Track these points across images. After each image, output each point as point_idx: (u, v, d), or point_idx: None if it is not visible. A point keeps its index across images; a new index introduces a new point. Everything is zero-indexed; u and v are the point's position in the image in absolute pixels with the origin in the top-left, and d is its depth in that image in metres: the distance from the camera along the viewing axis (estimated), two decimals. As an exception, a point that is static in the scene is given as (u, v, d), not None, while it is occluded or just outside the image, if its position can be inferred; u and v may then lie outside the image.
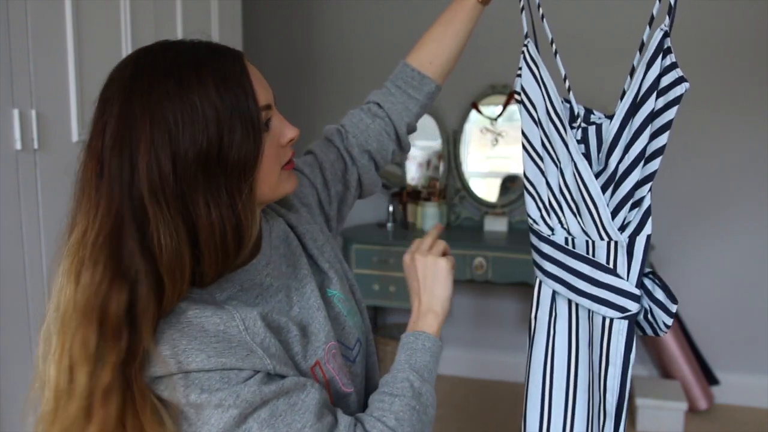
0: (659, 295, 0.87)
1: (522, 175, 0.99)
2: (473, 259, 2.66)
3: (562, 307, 0.95)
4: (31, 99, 1.50)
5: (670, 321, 0.87)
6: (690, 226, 2.87)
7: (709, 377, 2.85)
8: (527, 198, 0.98)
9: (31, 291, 1.52)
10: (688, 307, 2.88)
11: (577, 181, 0.88)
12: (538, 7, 0.97)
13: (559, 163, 0.91)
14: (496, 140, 3.03)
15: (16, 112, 1.46)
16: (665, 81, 0.82)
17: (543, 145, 0.95)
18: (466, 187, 3.12)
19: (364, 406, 0.89)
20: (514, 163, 3.10)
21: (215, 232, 0.70)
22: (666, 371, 2.83)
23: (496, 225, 2.99)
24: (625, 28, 2.47)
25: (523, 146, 0.99)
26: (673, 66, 0.82)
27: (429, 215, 2.96)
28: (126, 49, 1.78)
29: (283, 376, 0.74)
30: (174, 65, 0.71)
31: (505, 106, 2.98)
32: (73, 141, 1.62)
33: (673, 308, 0.86)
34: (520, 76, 0.98)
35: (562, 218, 0.93)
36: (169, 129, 0.68)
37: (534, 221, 0.97)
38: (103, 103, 0.74)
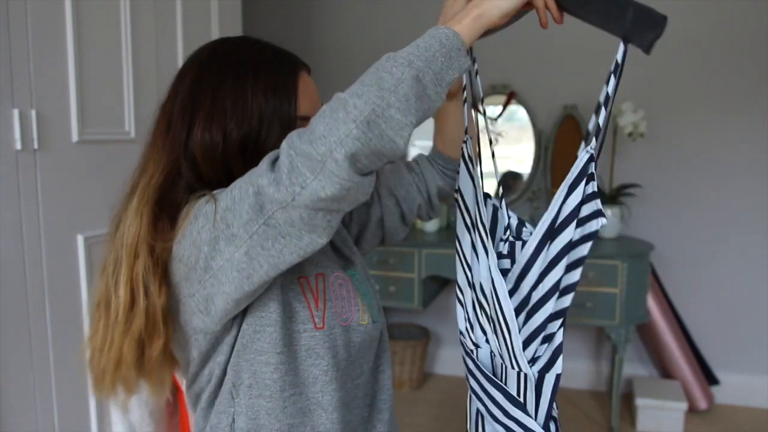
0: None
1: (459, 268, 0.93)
2: (473, 259, 2.66)
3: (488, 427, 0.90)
4: (31, 99, 1.50)
5: None
6: (689, 226, 2.87)
7: (709, 377, 2.85)
8: (458, 307, 0.93)
9: (31, 291, 1.52)
10: (688, 308, 2.88)
11: (493, 298, 0.82)
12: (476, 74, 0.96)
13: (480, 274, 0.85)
14: (496, 140, 3.04)
15: (16, 112, 1.46)
16: (585, 211, 0.76)
17: (473, 251, 0.89)
18: (466, 187, 3.12)
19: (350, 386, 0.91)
20: (514, 163, 3.10)
21: None
22: (666, 371, 2.83)
23: (496, 225, 2.99)
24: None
25: (456, 251, 0.93)
26: (593, 196, 0.75)
27: (429, 215, 2.95)
28: (126, 49, 1.78)
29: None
30: (240, 60, 0.84)
31: (505, 106, 2.98)
32: (73, 141, 1.63)
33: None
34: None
35: (488, 334, 0.87)
36: (225, 109, 0.81)
37: (461, 333, 0.92)
38: (181, 75, 0.87)
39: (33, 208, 1.52)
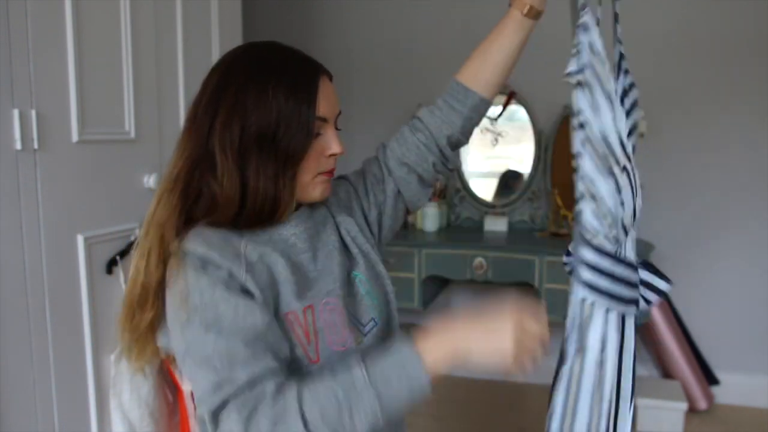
0: (645, 275, 0.87)
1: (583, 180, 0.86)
2: (473, 259, 2.66)
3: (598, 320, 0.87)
4: (31, 99, 1.50)
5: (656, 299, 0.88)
6: (689, 226, 2.87)
7: (709, 377, 2.85)
8: (589, 205, 0.85)
9: (31, 291, 1.52)
10: (688, 308, 2.88)
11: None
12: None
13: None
14: (496, 140, 3.03)
15: (16, 112, 1.46)
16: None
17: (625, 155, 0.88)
18: (466, 187, 3.12)
19: None
20: (515, 162, 3.10)
21: (257, 195, 0.87)
22: (666, 371, 2.83)
23: (496, 225, 2.99)
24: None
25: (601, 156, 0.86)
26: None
27: (429, 215, 2.96)
28: (126, 49, 1.78)
29: (248, 293, 0.83)
30: (265, 63, 0.89)
31: (505, 106, 2.97)
32: (73, 141, 1.62)
33: (663, 286, 0.87)
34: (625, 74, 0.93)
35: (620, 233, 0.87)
36: (246, 106, 0.86)
37: (595, 234, 0.85)
38: (210, 73, 0.92)
39: (33, 208, 1.52)
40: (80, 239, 1.65)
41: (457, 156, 1.12)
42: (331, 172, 0.95)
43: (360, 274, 0.98)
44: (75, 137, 1.63)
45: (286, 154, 0.87)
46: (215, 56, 2.11)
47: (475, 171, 3.17)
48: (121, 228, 1.78)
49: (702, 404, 2.77)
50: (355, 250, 1.00)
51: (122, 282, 1.75)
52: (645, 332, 2.83)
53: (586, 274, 0.84)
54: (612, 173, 0.84)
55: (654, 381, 2.81)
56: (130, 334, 0.91)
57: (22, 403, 1.51)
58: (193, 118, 0.91)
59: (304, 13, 3.27)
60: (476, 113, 1.08)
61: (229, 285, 0.82)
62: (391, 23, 3.11)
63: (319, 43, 3.23)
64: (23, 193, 1.49)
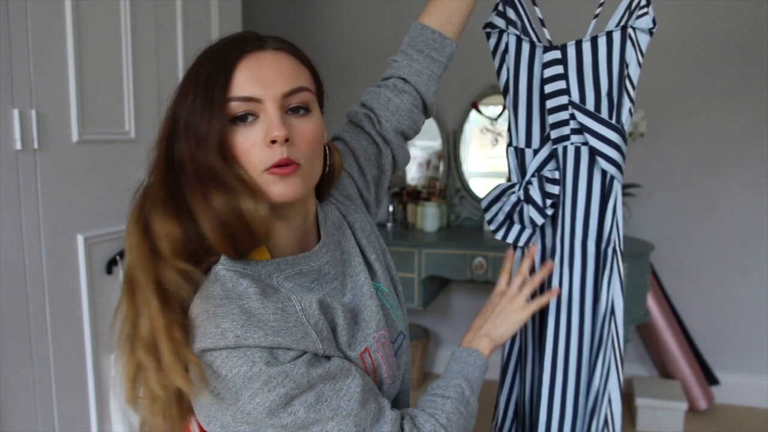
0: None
1: None
2: (473, 259, 2.66)
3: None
4: (31, 99, 1.50)
5: None
6: (689, 226, 2.87)
7: (709, 377, 2.85)
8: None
9: (31, 291, 1.52)
10: (688, 307, 2.88)
11: None
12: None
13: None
14: (496, 140, 3.03)
15: (16, 112, 1.46)
16: None
17: None
18: (466, 187, 3.12)
19: (397, 400, 0.92)
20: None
21: (216, 225, 0.72)
22: (666, 371, 2.83)
23: (496, 225, 2.99)
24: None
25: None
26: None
27: (429, 215, 2.96)
28: (126, 49, 1.78)
29: (329, 357, 0.75)
30: (192, 66, 0.78)
31: (505, 107, 2.97)
32: (73, 141, 1.62)
33: None
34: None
35: None
36: (178, 131, 0.76)
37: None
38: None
39: (33, 208, 1.52)
40: (80, 239, 1.65)
41: (434, 107, 1.07)
42: (281, 165, 0.74)
43: (382, 286, 0.92)
44: (75, 137, 1.63)
45: (206, 140, 0.73)
46: (215, 56, 2.11)
47: (475, 171, 3.17)
48: (121, 228, 1.77)
49: (702, 404, 2.77)
50: (371, 257, 0.92)
51: (122, 282, 1.75)
52: (645, 332, 2.83)
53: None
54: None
55: (654, 381, 2.81)
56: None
57: (22, 403, 1.50)
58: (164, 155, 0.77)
59: (303, 12, 3.27)
60: (450, 62, 1.04)
61: (311, 363, 0.72)
62: (391, 23, 3.11)
63: (319, 43, 3.23)
64: (23, 193, 1.49)
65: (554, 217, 1.04)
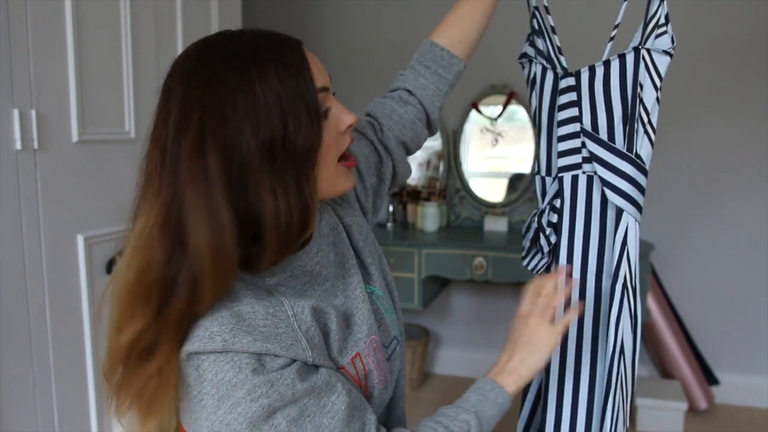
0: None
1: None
2: (473, 259, 2.66)
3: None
4: (31, 99, 1.50)
5: None
6: (689, 226, 2.87)
7: (709, 377, 2.85)
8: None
9: (31, 291, 1.52)
10: (688, 307, 2.88)
11: None
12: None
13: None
14: (496, 140, 3.03)
15: (16, 112, 1.46)
16: None
17: None
18: (466, 187, 3.12)
19: (391, 406, 0.90)
20: (515, 162, 3.10)
21: (281, 218, 0.68)
22: (666, 371, 2.83)
23: (496, 225, 2.99)
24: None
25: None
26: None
27: (429, 215, 2.96)
28: (126, 49, 1.78)
29: (317, 367, 0.72)
30: (234, 55, 0.69)
31: (505, 106, 2.98)
32: (73, 141, 1.63)
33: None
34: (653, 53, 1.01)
35: None
36: (226, 119, 0.66)
37: None
38: (166, 93, 0.70)
39: (33, 208, 1.52)
40: (80, 239, 1.65)
41: (438, 125, 1.08)
42: (352, 159, 0.79)
43: (376, 289, 0.89)
44: (75, 137, 1.63)
45: (304, 152, 0.69)
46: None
47: (475, 171, 3.17)
48: (121, 228, 1.77)
49: (702, 404, 2.77)
50: (367, 260, 0.90)
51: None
52: (645, 332, 2.83)
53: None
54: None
55: (654, 381, 2.81)
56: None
57: (22, 403, 1.51)
58: (162, 153, 0.70)
59: (303, 12, 3.27)
60: (457, 80, 1.04)
61: (298, 373, 0.70)
62: (391, 23, 3.11)
63: (319, 42, 3.23)
64: (23, 193, 1.49)
65: (569, 249, 1.02)
